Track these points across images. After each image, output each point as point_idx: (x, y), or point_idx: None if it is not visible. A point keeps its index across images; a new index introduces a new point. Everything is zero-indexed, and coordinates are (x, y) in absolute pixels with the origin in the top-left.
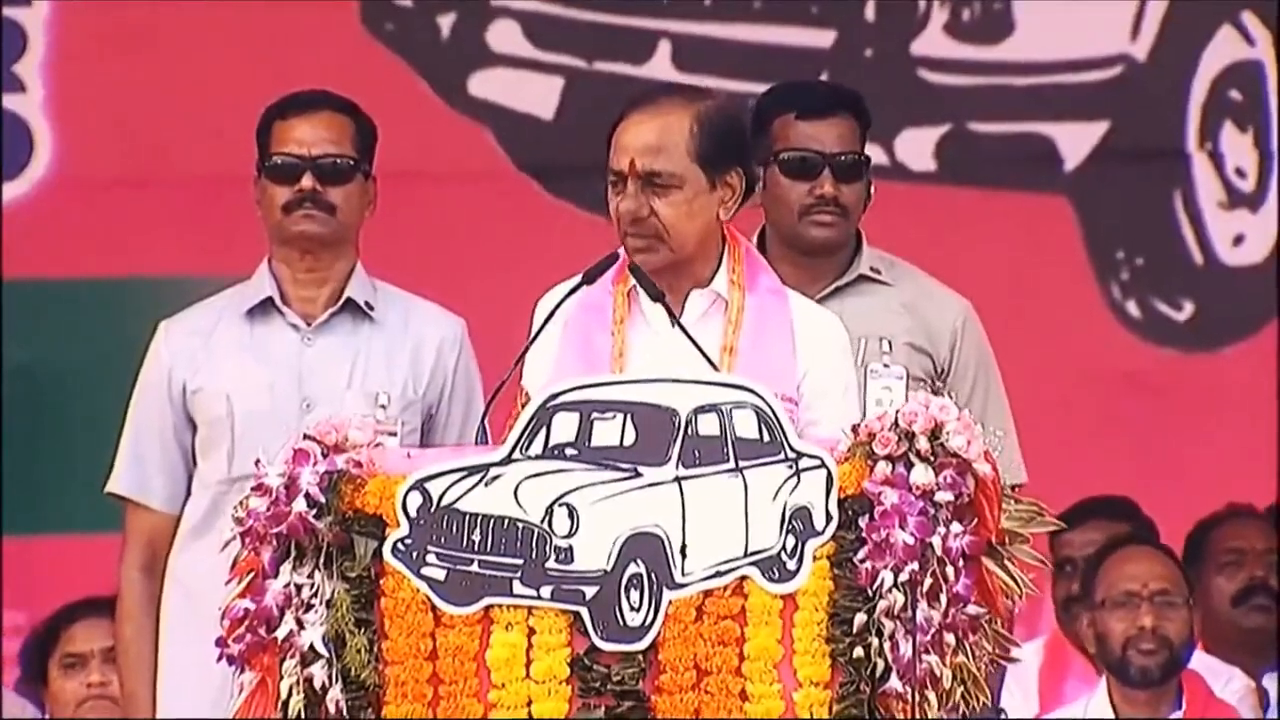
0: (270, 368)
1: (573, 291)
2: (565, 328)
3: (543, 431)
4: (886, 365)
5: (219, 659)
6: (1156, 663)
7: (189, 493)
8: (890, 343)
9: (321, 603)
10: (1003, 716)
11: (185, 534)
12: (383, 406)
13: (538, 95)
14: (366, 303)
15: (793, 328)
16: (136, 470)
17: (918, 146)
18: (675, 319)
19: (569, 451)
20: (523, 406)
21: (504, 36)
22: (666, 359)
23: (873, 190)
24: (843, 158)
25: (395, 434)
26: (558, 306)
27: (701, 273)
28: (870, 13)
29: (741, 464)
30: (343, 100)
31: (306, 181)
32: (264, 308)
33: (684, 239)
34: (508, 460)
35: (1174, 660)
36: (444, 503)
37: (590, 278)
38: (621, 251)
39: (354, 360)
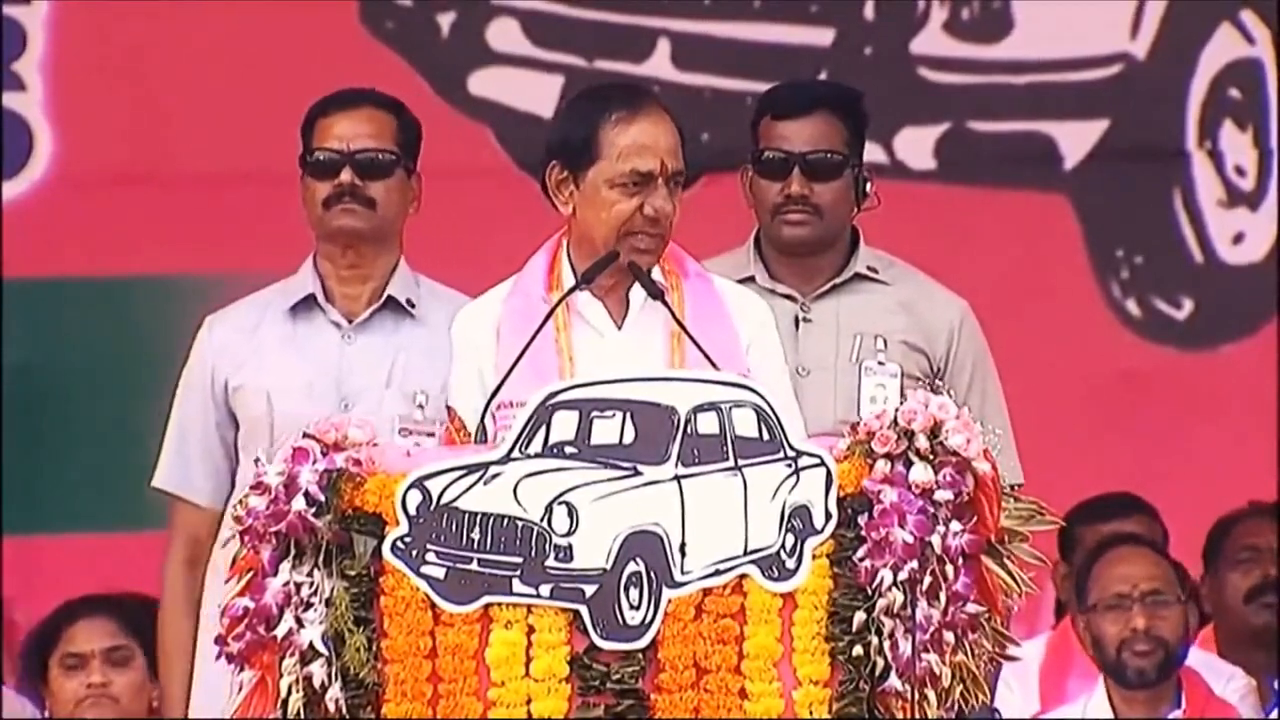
0: (310, 366)
1: (570, 292)
2: (500, 340)
3: (542, 430)
4: (881, 363)
5: (218, 657)
6: (1152, 663)
7: (233, 488)
8: (885, 341)
9: (321, 601)
10: (996, 716)
11: (228, 531)
12: (421, 406)
13: (538, 94)
14: (408, 300)
15: (726, 307)
16: (180, 466)
17: (917, 145)
18: (674, 313)
19: (568, 450)
20: (455, 426)
21: (504, 35)
22: (614, 361)
23: (870, 189)
24: (813, 157)
25: (434, 434)
26: (552, 310)
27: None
28: (869, 11)
29: (741, 462)
30: (386, 97)
31: (345, 176)
32: (307, 304)
33: (672, 234)
34: (507, 459)
35: (1170, 659)
36: (443, 501)
37: (589, 276)
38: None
39: (394, 359)
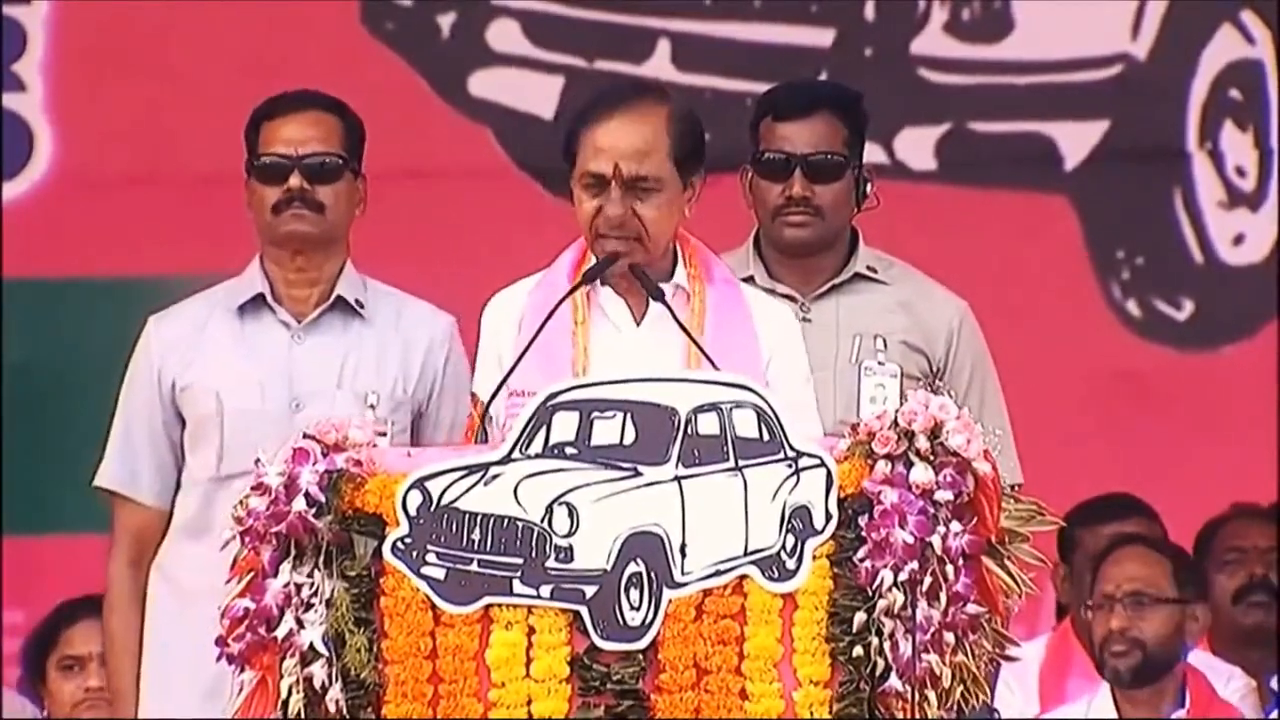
0: (260, 365)
1: (573, 290)
2: (521, 331)
3: (542, 430)
4: (881, 363)
5: (219, 658)
6: (1127, 665)
7: (178, 487)
8: (885, 341)
9: (321, 602)
10: (995, 716)
11: (174, 530)
12: (372, 406)
13: (538, 94)
14: (357, 300)
15: (751, 316)
16: (125, 464)
17: (918, 146)
18: (675, 317)
19: (569, 450)
20: (478, 412)
21: (504, 36)
22: (629, 358)
23: (869, 189)
24: (814, 158)
25: (385, 433)
26: (556, 306)
27: (661, 268)
28: (870, 12)
29: (741, 463)
30: (329, 99)
31: (294, 181)
32: (255, 304)
33: (660, 239)
34: (507, 459)
35: (1150, 661)
36: (444, 502)
37: (590, 277)
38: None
39: (344, 359)
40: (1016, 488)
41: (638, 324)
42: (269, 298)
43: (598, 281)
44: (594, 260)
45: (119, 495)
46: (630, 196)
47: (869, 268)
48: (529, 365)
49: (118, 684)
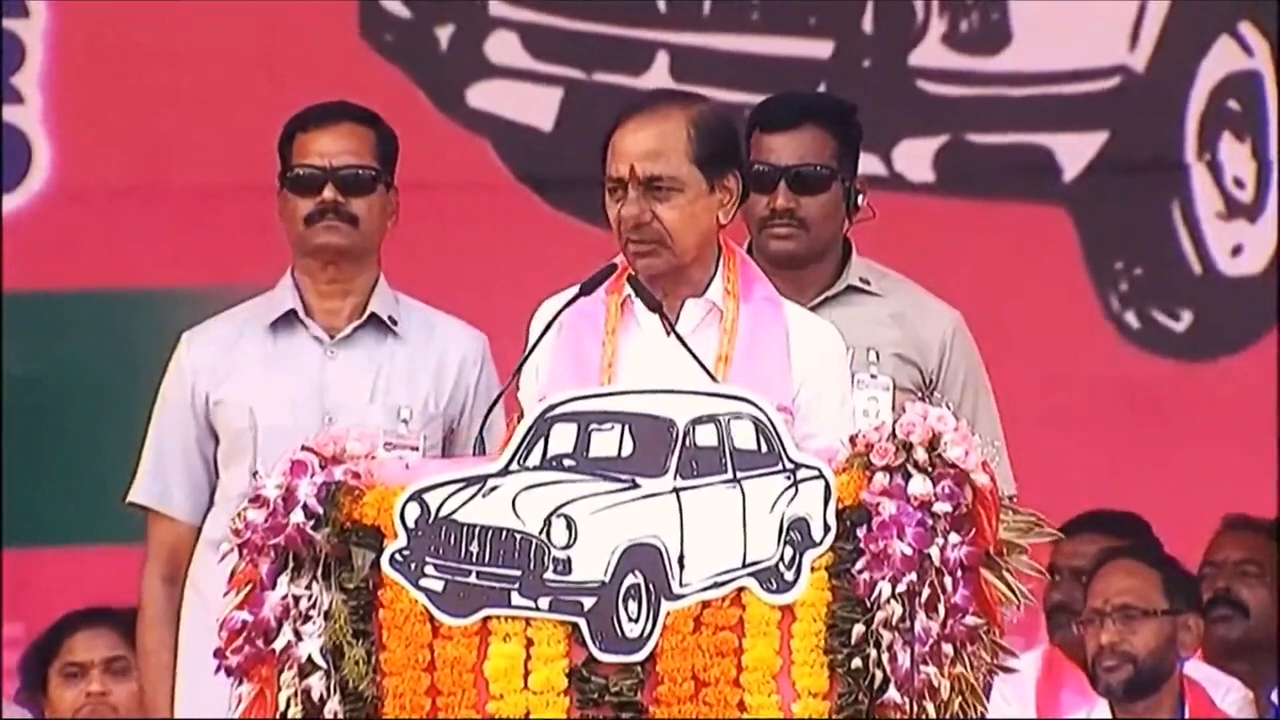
0: (292, 381)
1: (570, 303)
2: (559, 336)
3: (540, 442)
4: (874, 376)
5: (217, 670)
6: (1118, 678)
7: (211, 503)
8: (877, 354)
9: (319, 614)
10: None
11: (206, 545)
12: (404, 421)
13: (536, 106)
14: (390, 317)
15: (788, 338)
16: (158, 480)
17: (916, 157)
18: (672, 328)
19: (567, 462)
20: (518, 419)
21: (503, 48)
22: (659, 368)
23: (861, 201)
24: (798, 170)
25: (417, 448)
26: (553, 319)
27: (698, 281)
28: (868, 23)
29: (739, 475)
30: (364, 111)
31: (328, 193)
32: (287, 320)
33: (685, 243)
34: (505, 471)
35: (1142, 674)
36: (442, 514)
37: (587, 289)
38: (619, 261)
39: (376, 374)
40: (1012, 499)
41: (668, 334)
42: (301, 313)
43: (632, 292)
44: (634, 269)
45: (152, 511)
46: (648, 198)
47: (862, 280)
48: (561, 371)
49: (152, 700)
